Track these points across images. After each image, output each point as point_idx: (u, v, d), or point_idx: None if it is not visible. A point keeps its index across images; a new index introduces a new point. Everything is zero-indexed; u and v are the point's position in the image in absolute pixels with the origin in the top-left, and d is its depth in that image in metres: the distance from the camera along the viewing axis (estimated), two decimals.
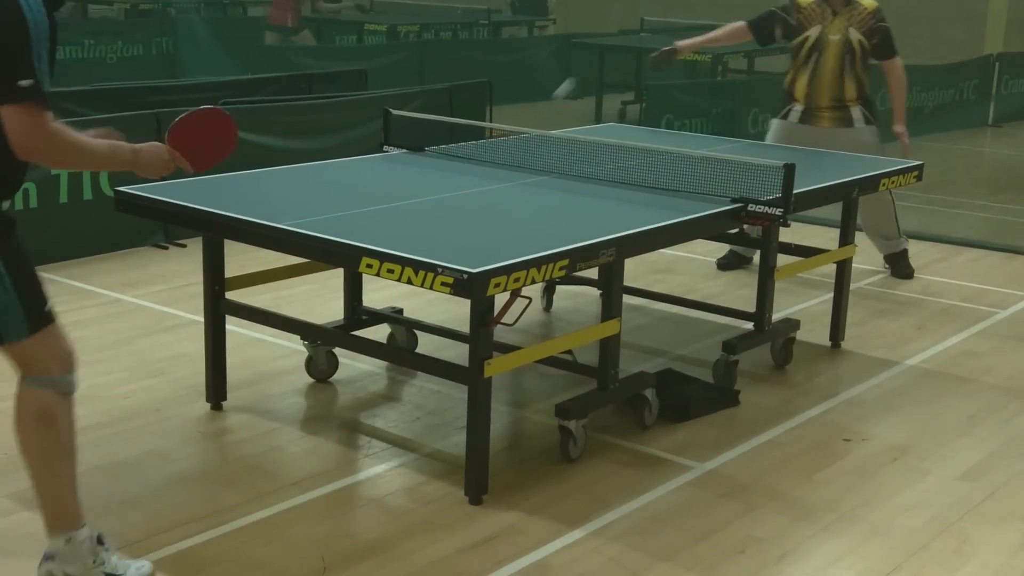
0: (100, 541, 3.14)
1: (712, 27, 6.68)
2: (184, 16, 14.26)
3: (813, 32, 6.15)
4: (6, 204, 3.04)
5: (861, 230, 6.13)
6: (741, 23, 6.42)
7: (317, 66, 10.69)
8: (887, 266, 6.68)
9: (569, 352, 4.38)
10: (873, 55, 6.21)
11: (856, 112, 6.21)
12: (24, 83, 2.80)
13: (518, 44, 14.68)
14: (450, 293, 3.39)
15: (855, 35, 6.10)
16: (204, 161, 3.39)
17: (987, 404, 4.80)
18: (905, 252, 6.64)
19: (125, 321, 5.50)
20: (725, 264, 6.65)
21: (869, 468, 4.14)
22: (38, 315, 3.03)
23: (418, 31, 14.06)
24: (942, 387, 4.97)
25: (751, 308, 5.02)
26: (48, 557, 3.11)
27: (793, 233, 5.14)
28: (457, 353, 4.41)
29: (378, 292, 5.30)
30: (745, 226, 5.23)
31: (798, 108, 6.26)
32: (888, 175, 5.25)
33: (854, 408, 4.71)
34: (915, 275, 6.62)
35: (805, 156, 5.40)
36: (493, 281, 3.41)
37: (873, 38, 6.14)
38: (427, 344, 4.98)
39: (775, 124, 6.41)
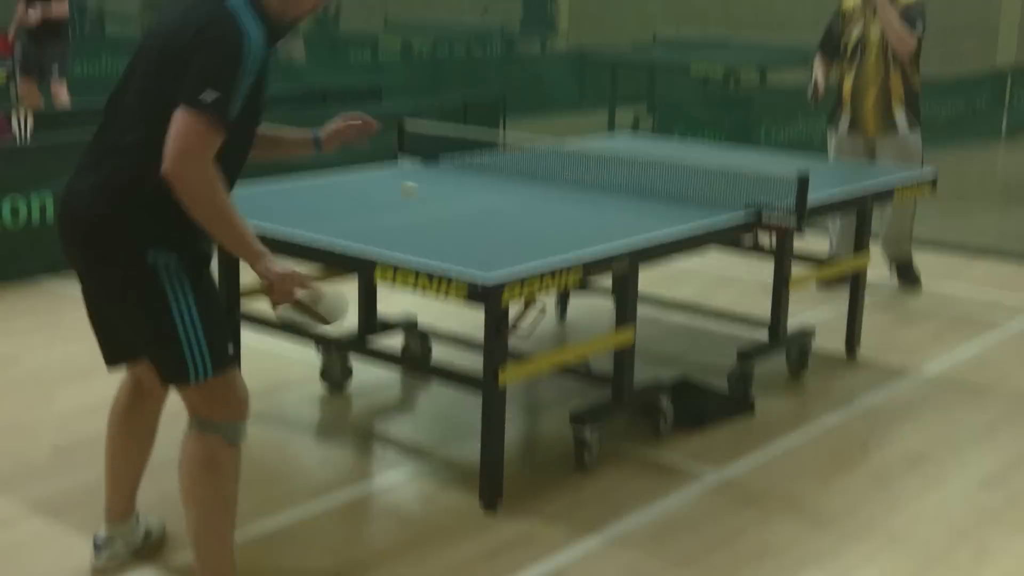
0: None
1: (726, 40, 6.74)
2: None
3: (856, 31, 6.16)
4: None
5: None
6: (817, 53, 6.36)
7: (332, 81, 10.73)
8: (898, 278, 6.57)
9: (584, 361, 4.37)
10: None
11: (900, 116, 6.16)
12: (209, 95, 2.72)
13: (531, 59, 14.72)
14: (465, 302, 3.40)
15: None
16: None
17: (1004, 412, 4.77)
18: (911, 262, 6.61)
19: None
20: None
21: (886, 476, 4.12)
22: (222, 357, 2.96)
23: (432, 47, 14.12)
24: (959, 395, 4.95)
25: (766, 317, 5.01)
26: None
27: (807, 242, 5.14)
28: (472, 362, 4.41)
29: (393, 301, 5.31)
30: (759, 235, 5.22)
31: (846, 115, 6.26)
32: (902, 185, 5.25)
33: (871, 416, 4.69)
34: (929, 284, 6.58)
35: (821, 166, 5.39)
36: (508, 290, 3.41)
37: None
38: (442, 353, 4.98)
39: (830, 134, 6.40)
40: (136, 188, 2.86)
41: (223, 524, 3.05)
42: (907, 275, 6.59)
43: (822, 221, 6.04)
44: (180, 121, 2.74)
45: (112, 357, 3.18)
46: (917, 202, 6.29)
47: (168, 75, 2.82)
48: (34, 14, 9.46)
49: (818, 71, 6.34)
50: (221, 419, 2.99)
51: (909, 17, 6.05)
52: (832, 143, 6.38)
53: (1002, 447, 4.41)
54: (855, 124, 6.23)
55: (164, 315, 2.88)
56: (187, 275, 2.90)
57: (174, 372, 2.95)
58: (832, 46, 6.30)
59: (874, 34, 6.09)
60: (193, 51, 2.78)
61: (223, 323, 3.02)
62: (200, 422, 3.00)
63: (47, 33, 9.51)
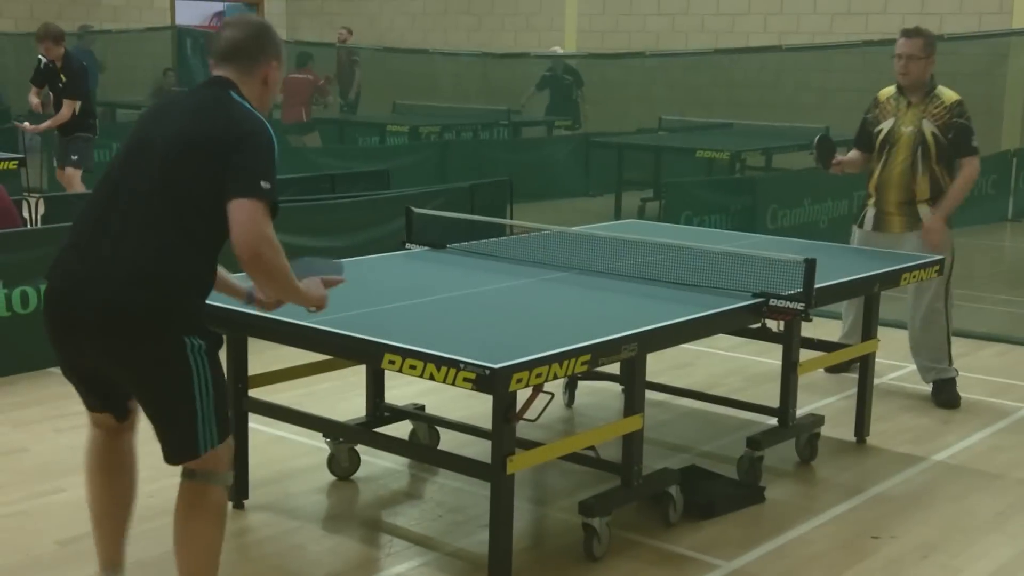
0: None
1: (728, 125, 6.74)
2: None
3: (886, 125, 5.95)
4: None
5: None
6: (853, 150, 6.18)
7: (341, 166, 10.83)
8: (934, 396, 6.05)
9: (592, 448, 4.35)
10: (950, 152, 5.86)
11: (926, 214, 5.89)
12: (265, 184, 3.03)
13: (538, 143, 14.84)
14: (472, 389, 3.39)
15: (929, 127, 5.82)
16: None
17: (1016, 500, 4.73)
18: (954, 381, 6.06)
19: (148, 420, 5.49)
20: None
21: (899, 566, 4.07)
22: (225, 427, 3.25)
23: (439, 132, 14.26)
24: (970, 483, 4.91)
25: (774, 403, 4.99)
26: None
27: (815, 328, 5.14)
28: (479, 449, 4.39)
29: (400, 388, 5.30)
30: (767, 321, 5.22)
31: (871, 211, 6.04)
32: (909, 270, 5.26)
33: (882, 504, 4.65)
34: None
35: (827, 250, 5.41)
36: (515, 376, 3.41)
37: (949, 133, 5.82)
38: (449, 440, 4.96)
39: (854, 232, 6.19)
40: (176, 279, 3.10)
41: (217, 560, 3.30)
42: (947, 397, 6.02)
43: (833, 306, 6.03)
44: (247, 210, 3.01)
45: (98, 405, 3.38)
46: (951, 317, 6.07)
47: (195, 167, 3.06)
48: (31, 127, 9.91)
49: (849, 161, 6.14)
50: (222, 470, 3.28)
51: (964, 133, 5.84)
52: (855, 241, 6.13)
53: (1015, 536, 4.36)
54: (879, 222, 6.01)
55: (187, 395, 3.13)
56: (208, 358, 3.15)
57: (185, 450, 3.21)
58: (867, 142, 6.09)
59: (904, 131, 5.88)
60: (230, 146, 3.05)
61: (226, 395, 3.31)
62: (204, 474, 3.23)
63: (67, 126, 9.73)
